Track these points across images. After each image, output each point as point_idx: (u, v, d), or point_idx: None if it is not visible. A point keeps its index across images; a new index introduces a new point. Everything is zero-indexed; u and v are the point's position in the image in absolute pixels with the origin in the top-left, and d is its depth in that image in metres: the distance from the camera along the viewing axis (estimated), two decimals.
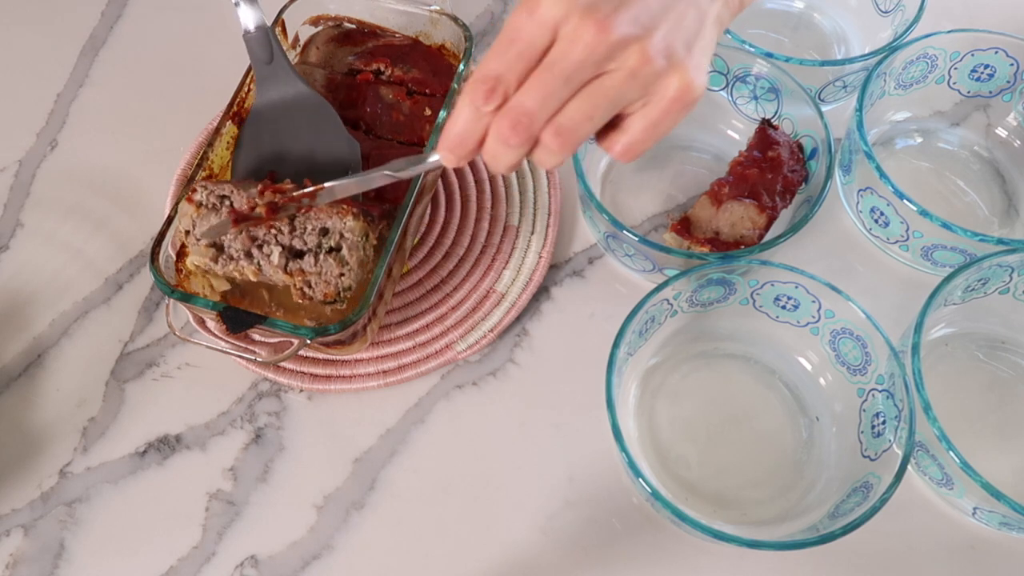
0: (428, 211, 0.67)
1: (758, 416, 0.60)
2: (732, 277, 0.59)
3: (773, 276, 0.58)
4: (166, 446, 0.61)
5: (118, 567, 0.57)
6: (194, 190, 0.53)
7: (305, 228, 0.52)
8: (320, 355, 0.62)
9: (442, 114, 0.59)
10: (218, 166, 0.59)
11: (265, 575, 0.56)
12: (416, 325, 0.63)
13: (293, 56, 0.66)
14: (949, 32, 0.67)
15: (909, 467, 0.58)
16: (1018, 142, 0.71)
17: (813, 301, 0.58)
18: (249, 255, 0.52)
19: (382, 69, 0.64)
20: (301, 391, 0.62)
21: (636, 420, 0.60)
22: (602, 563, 0.56)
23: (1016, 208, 0.69)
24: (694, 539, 0.57)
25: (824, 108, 0.70)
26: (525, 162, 0.68)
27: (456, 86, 0.60)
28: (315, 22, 0.67)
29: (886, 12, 0.74)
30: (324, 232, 0.52)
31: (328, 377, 0.61)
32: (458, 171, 0.69)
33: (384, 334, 0.62)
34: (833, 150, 0.63)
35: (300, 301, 0.52)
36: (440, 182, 0.68)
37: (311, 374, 0.62)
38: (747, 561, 0.56)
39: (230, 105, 0.60)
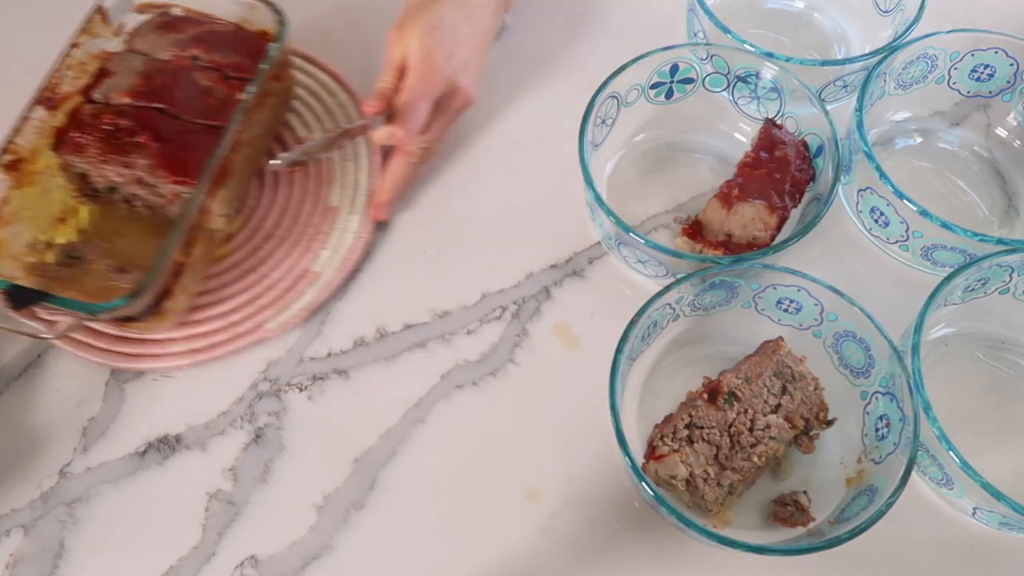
0: (251, 194, 0.69)
1: None
2: (735, 280, 0.59)
3: (775, 279, 0.58)
4: (166, 446, 0.61)
5: (118, 567, 0.57)
6: (654, 448, 0.55)
7: (765, 387, 0.57)
8: (132, 334, 0.63)
9: (249, 90, 0.61)
10: (28, 151, 0.61)
11: (265, 575, 0.56)
12: (230, 305, 0.64)
13: (118, 44, 0.68)
14: (949, 32, 0.67)
15: None
16: (1018, 142, 0.71)
17: (815, 304, 0.58)
18: (757, 442, 0.55)
19: (199, 55, 0.65)
20: (113, 370, 0.63)
21: (639, 424, 0.59)
22: (602, 563, 0.56)
23: (1016, 208, 0.69)
24: (691, 539, 0.57)
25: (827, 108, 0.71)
26: (358, 145, 0.71)
27: (265, 67, 0.62)
28: (141, 10, 0.68)
29: (886, 12, 0.74)
30: (779, 374, 0.57)
31: (139, 356, 0.63)
32: None
33: (196, 314, 0.64)
34: (840, 147, 0.62)
35: (807, 451, 0.58)
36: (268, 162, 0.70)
37: (123, 353, 0.63)
38: (747, 562, 0.56)
39: (41, 89, 0.61)
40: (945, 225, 0.59)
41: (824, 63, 0.68)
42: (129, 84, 0.63)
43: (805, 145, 0.66)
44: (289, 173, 0.69)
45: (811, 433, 0.58)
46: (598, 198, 0.60)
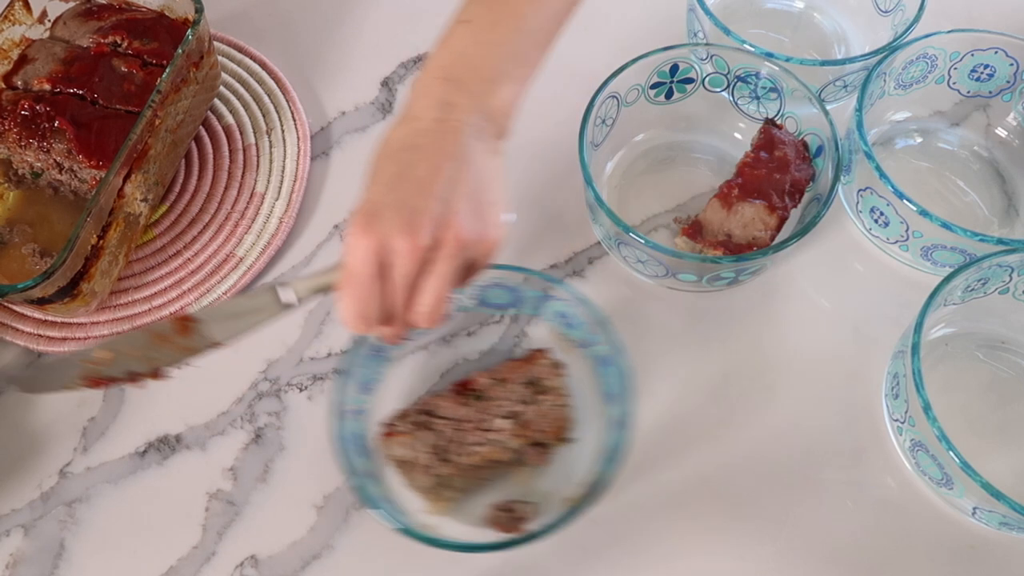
0: (177, 180, 0.70)
1: None
2: (517, 287, 0.59)
3: (553, 292, 0.58)
4: (166, 446, 0.61)
5: (118, 567, 0.57)
6: (390, 426, 0.56)
7: (511, 391, 0.57)
8: (57, 318, 0.64)
9: (164, 75, 0.62)
10: None
11: (265, 575, 0.56)
12: (153, 289, 0.66)
13: (42, 31, 0.69)
14: (949, 32, 0.67)
15: (909, 467, 0.58)
16: (1018, 142, 0.71)
17: (584, 323, 0.58)
18: (480, 442, 0.55)
19: (119, 42, 0.67)
20: (34, 351, 0.64)
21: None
22: (602, 563, 0.56)
23: (1016, 208, 0.69)
24: (694, 539, 0.57)
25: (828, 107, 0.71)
26: (285, 131, 0.72)
27: (181, 51, 0.63)
28: None
29: (886, 12, 0.74)
30: (530, 383, 0.57)
31: (63, 339, 0.64)
32: (214, 141, 0.72)
33: (120, 298, 0.65)
34: (840, 147, 0.62)
35: (537, 464, 0.57)
36: (195, 149, 0.71)
37: (48, 336, 0.64)
38: (747, 562, 0.56)
39: None
40: (945, 225, 0.59)
41: (824, 63, 0.68)
42: (49, 70, 0.65)
43: (805, 145, 0.66)
44: (215, 157, 0.70)
45: (545, 446, 0.57)
46: (598, 198, 0.60)
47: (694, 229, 0.64)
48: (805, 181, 0.65)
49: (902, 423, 0.57)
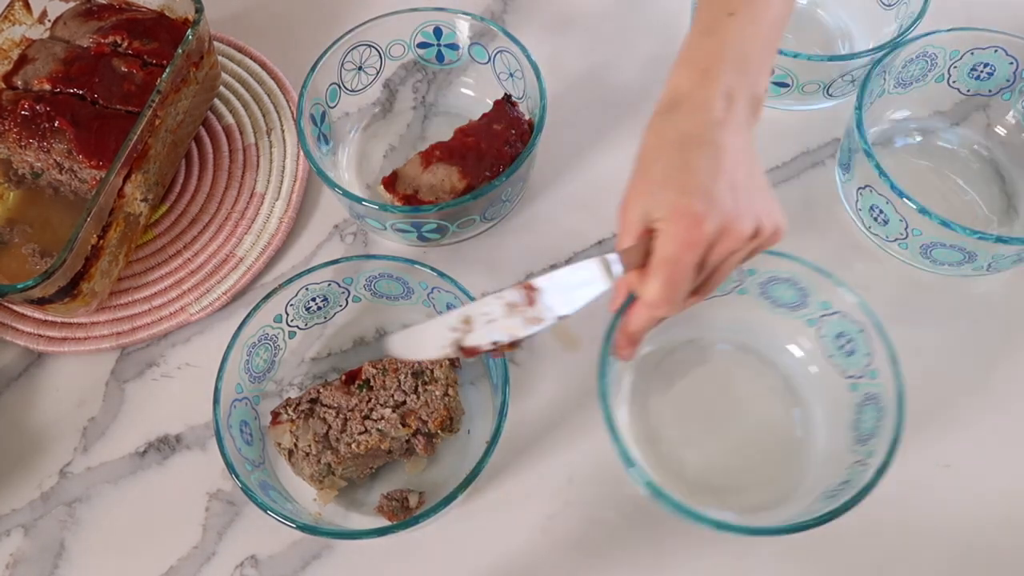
0: (177, 180, 0.70)
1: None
2: (403, 276, 0.60)
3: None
4: (166, 446, 0.61)
5: (118, 567, 0.57)
6: (277, 414, 0.57)
7: (398, 381, 0.57)
8: (57, 318, 0.64)
9: (164, 75, 0.62)
10: None
11: (265, 575, 0.56)
12: (153, 289, 0.66)
13: (42, 31, 0.69)
14: (949, 31, 0.67)
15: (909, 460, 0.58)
16: (1018, 141, 0.71)
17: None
18: (365, 431, 0.56)
19: (119, 42, 0.67)
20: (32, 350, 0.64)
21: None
22: (602, 563, 0.56)
23: (1015, 207, 0.69)
24: (694, 539, 0.57)
25: (832, 103, 0.72)
26: (285, 131, 0.73)
27: (181, 51, 0.63)
28: None
29: (889, 6, 0.74)
30: (417, 374, 0.58)
31: (63, 339, 0.64)
32: (214, 141, 0.72)
33: (120, 298, 0.65)
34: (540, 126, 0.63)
35: (424, 453, 0.56)
36: (195, 150, 0.71)
37: (47, 336, 0.64)
38: (747, 561, 0.56)
39: None
40: (944, 223, 0.59)
41: (832, 58, 0.68)
42: (49, 71, 0.65)
43: (531, 127, 0.67)
44: (215, 157, 0.71)
45: (431, 435, 0.57)
46: (321, 173, 0.62)
47: (391, 179, 0.66)
48: (512, 160, 0.65)
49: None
